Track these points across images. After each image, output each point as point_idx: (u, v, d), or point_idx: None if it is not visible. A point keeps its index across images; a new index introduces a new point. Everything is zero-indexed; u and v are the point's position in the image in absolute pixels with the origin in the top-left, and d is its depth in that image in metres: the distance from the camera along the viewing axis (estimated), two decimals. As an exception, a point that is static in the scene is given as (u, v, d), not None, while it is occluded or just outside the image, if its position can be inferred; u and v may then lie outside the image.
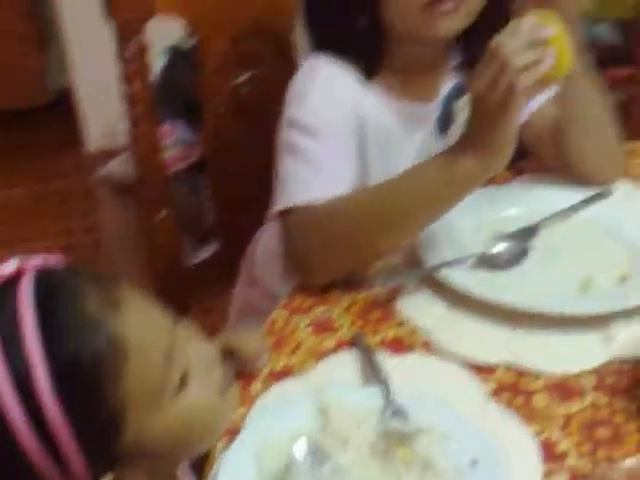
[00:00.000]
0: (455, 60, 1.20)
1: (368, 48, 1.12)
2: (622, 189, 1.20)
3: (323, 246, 1.03)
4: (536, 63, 0.88)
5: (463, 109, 1.19)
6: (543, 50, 0.89)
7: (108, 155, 2.49)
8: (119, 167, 2.39)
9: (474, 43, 1.13)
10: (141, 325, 0.67)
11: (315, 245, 1.03)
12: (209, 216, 2.12)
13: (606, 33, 2.49)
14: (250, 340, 0.95)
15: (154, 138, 1.32)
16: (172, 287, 1.38)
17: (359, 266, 1.06)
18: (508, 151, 0.93)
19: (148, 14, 1.25)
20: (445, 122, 1.21)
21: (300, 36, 1.44)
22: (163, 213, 1.35)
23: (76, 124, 3.01)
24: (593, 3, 1.14)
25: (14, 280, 0.65)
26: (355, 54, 1.12)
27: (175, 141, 1.97)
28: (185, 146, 1.98)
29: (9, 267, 0.66)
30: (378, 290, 1.04)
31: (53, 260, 0.69)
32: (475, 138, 0.94)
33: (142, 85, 1.27)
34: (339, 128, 1.09)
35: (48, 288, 0.65)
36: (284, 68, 1.43)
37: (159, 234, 1.37)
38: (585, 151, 1.18)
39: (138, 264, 1.54)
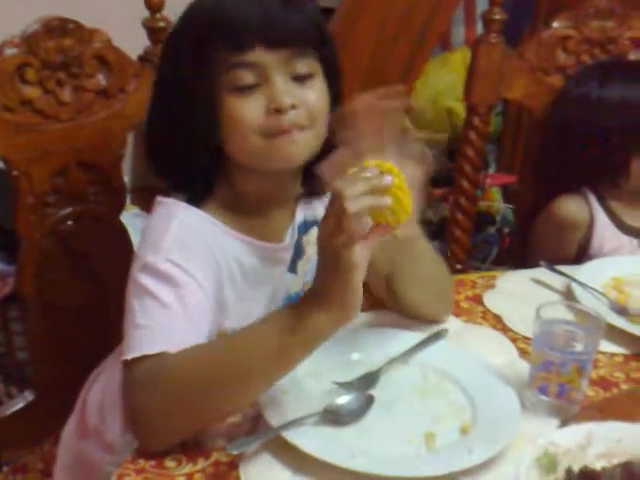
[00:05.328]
0: (301, 194, 1.19)
1: (205, 176, 1.10)
2: (453, 327, 1.24)
3: (164, 404, 0.95)
4: (373, 209, 0.89)
5: (309, 243, 1.21)
6: (381, 197, 0.89)
7: None
8: None
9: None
10: None
11: (156, 402, 0.95)
12: (19, 358, 1.99)
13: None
14: None
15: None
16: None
17: (204, 427, 1.00)
18: (355, 303, 0.91)
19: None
20: (295, 257, 1.20)
21: (128, 169, 1.40)
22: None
23: None
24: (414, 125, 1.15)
25: None
26: (190, 182, 1.10)
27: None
28: (-4, 278, 1.83)
29: None
30: (218, 458, 0.98)
31: None
32: (322, 289, 0.92)
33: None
34: (195, 275, 1.04)
35: None
36: (109, 202, 1.39)
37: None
38: (415, 297, 1.21)
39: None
